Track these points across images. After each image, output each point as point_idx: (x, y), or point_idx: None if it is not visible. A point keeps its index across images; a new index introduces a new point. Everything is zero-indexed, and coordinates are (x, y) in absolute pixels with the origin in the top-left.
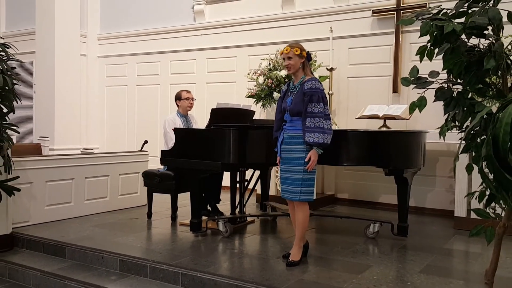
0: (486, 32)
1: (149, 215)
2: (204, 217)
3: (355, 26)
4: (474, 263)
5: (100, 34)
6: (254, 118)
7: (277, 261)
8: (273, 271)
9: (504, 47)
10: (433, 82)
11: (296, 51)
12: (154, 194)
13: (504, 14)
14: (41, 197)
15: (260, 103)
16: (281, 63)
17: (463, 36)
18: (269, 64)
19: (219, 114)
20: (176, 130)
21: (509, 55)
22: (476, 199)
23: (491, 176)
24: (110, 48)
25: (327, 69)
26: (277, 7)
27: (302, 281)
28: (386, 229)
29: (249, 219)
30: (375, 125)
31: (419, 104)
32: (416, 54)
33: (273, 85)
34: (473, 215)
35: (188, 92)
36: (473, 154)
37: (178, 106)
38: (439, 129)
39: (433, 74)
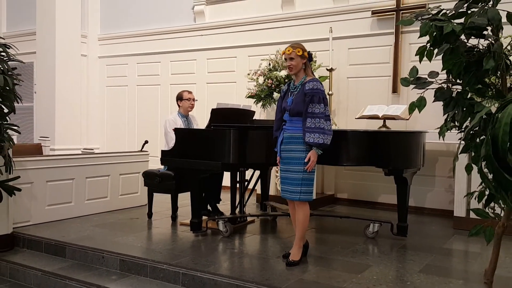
0: (485, 32)
1: (150, 215)
2: (204, 217)
3: (354, 27)
4: (474, 262)
5: (101, 35)
6: (254, 118)
7: (277, 261)
8: (273, 270)
9: (504, 47)
10: (432, 82)
11: (298, 51)
12: (155, 194)
13: (503, 15)
14: (41, 197)
15: (260, 103)
16: (281, 64)
17: (463, 37)
18: (269, 64)
19: (219, 114)
20: (176, 130)
21: (508, 55)
22: (475, 199)
23: (490, 176)
24: (110, 48)
25: (327, 69)
26: (277, 8)
27: (302, 280)
28: (386, 229)
29: (249, 219)
30: (374, 125)
31: (419, 104)
32: (416, 55)
33: (273, 86)
34: (472, 215)
35: (190, 92)
36: (473, 154)
37: (179, 106)
38: (439, 129)
39: (433, 74)
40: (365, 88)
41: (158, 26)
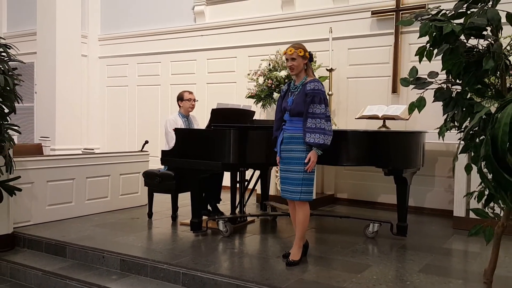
0: (485, 32)
1: (150, 215)
2: (204, 217)
3: (354, 27)
4: (473, 262)
5: (101, 35)
6: (254, 118)
7: (277, 261)
8: (273, 270)
9: (503, 47)
10: (432, 82)
11: (300, 52)
12: (155, 194)
13: (503, 15)
14: (42, 197)
15: (260, 104)
16: (281, 64)
17: (462, 37)
18: (269, 64)
19: (219, 115)
20: (176, 130)
21: (508, 55)
22: (475, 199)
23: (490, 176)
24: (111, 48)
25: (327, 69)
26: (277, 8)
27: (302, 280)
28: (386, 229)
29: (249, 219)
30: (374, 126)
31: (418, 104)
32: (416, 55)
33: (273, 86)
34: (472, 215)
35: (191, 93)
36: (472, 154)
37: (180, 106)
38: (438, 129)
39: (432, 74)
40: (365, 88)
41: (158, 26)
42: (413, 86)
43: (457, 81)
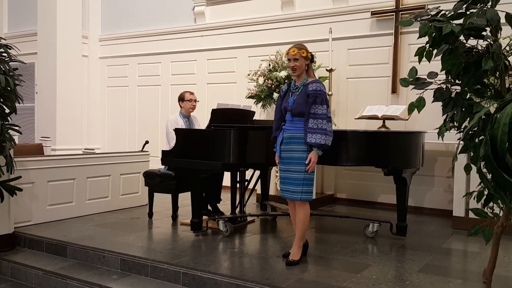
0: (484, 33)
1: (150, 214)
2: (204, 217)
3: (354, 27)
4: (473, 262)
5: (102, 35)
6: (254, 118)
7: (277, 260)
8: (273, 270)
9: (502, 48)
10: (431, 83)
11: (303, 53)
12: (155, 194)
13: (502, 16)
14: (43, 197)
15: (260, 104)
16: (281, 64)
17: (462, 37)
18: (269, 65)
19: (220, 115)
20: (176, 131)
21: (507, 56)
22: (474, 199)
23: (489, 176)
24: (111, 49)
25: (327, 70)
26: (277, 9)
27: (301, 280)
28: (385, 229)
29: (249, 218)
30: (374, 126)
31: (418, 104)
32: (415, 55)
33: (273, 86)
34: (471, 215)
35: (192, 93)
36: (472, 154)
37: (181, 107)
38: (438, 129)
39: (432, 75)
40: (365, 88)
41: (158, 26)
42: (413, 86)
43: (457, 81)
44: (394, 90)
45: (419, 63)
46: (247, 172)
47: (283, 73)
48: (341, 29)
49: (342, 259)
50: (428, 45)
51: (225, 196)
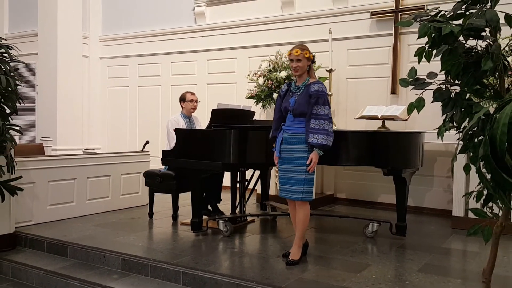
0: (483, 33)
1: (150, 214)
2: (204, 217)
3: (354, 28)
4: (472, 262)
5: (102, 36)
6: (254, 118)
7: (277, 260)
8: (273, 270)
9: (502, 48)
10: (431, 83)
11: (306, 54)
12: (155, 194)
13: (501, 16)
14: (43, 197)
15: (260, 104)
16: (281, 65)
17: (461, 38)
18: (269, 65)
19: (220, 115)
20: (177, 131)
21: (506, 56)
22: (473, 198)
23: (488, 176)
24: (112, 49)
25: (326, 70)
26: (277, 9)
27: (301, 280)
28: (385, 229)
29: (249, 218)
30: (373, 126)
31: (417, 105)
32: (415, 56)
33: (273, 86)
34: (470, 215)
35: (193, 94)
36: (471, 154)
37: (182, 107)
38: (437, 129)
39: (431, 75)
40: (364, 88)
41: (159, 27)
42: (412, 86)
43: (456, 81)
44: (393, 91)
45: (419, 63)
46: (247, 172)
47: (283, 74)
48: (341, 30)
49: (342, 258)
50: (427, 45)
51: (225, 196)
